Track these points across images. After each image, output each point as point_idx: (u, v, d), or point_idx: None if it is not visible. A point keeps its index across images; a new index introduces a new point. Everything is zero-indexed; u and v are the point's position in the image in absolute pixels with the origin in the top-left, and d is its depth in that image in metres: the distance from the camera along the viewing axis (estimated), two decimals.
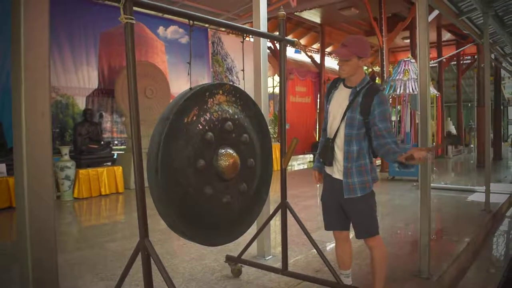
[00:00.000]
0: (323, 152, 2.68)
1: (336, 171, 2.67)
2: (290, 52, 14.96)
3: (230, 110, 2.52)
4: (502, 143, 15.47)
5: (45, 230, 1.37)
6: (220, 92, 2.47)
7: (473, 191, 7.62)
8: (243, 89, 2.68)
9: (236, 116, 2.55)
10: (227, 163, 2.41)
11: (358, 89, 2.59)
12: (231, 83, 11.32)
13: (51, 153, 1.36)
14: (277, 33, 3.29)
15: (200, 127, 2.31)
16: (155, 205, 2.21)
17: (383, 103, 2.51)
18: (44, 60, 1.29)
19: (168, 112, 2.21)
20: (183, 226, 2.28)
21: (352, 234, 2.82)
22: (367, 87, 2.58)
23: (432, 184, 7.69)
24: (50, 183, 1.37)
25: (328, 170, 2.75)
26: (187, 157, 2.24)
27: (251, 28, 3.30)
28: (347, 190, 2.60)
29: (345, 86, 2.68)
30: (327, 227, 2.85)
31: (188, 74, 2.21)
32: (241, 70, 2.88)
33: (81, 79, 8.50)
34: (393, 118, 9.91)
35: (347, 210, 2.69)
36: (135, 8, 2.00)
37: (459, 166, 13.40)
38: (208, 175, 2.35)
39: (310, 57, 15.07)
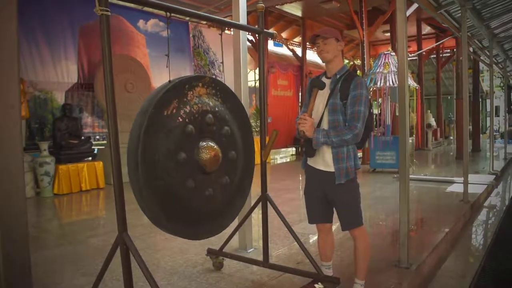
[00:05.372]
0: (306, 143, 2.65)
1: (321, 162, 2.68)
2: (272, 45, 14.93)
3: (210, 103, 2.50)
4: (481, 135, 15.76)
5: (16, 226, 1.34)
6: (200, 84, 2.46)
7: (452, 182, 7.76)
8: (223, 82, 2.67)
9: (216, 109, 2.53)
10: (209, 155, 2.41)
11: (338, 76, 2.65)
12: (214, 76, 11.26)
13: (21, 146, 1.33)
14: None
15: (180, 120, 2.29)
16: (137, 199, 2.18)
17: (357, 87, 2.56)
18: (13, 51, 1.26)
19: (147, 105, 2.19)
20: (166, 220, 2.26)
21: (334, 226, 2.84)
22: (346, 74, 2.66)
23: (412, 176, 7.89)
24: (22, 178, 1.34)
25: (310, 161, 2.76)
26: (168, 150, 2.22)
27: (229, 21, 3.28)
28: (338, 176, 2.60)
29: (326, 77, 2.73)
30: (310, 221, 2.87)
31: (167, 66, 2.19)
32: (221, 63, 2.87)
33: (60, 74, 8.32)
34: (375, 111, 9.99)
35: (332, 200, 2.70)
36: (113, 1, 1.97)
37: (439, 157, 13.63)
38: (190, 168, 2.34)
39: (292, 50, 15.08)
